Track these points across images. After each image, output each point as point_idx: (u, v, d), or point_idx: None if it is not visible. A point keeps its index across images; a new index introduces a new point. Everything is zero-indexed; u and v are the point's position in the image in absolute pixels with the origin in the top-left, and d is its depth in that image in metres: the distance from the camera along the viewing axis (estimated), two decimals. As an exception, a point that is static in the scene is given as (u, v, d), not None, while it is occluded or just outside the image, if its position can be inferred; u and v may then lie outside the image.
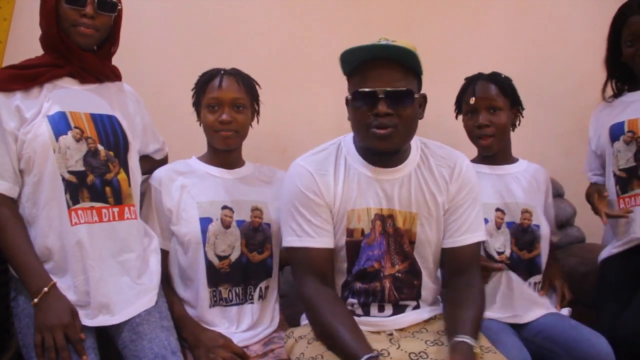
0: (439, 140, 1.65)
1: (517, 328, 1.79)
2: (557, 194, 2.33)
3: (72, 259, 1.48)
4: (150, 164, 1.81)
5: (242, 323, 1.65)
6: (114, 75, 1.68)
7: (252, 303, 1.68)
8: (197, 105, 1.73)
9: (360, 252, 1.52)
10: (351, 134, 1.58)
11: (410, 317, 1.54)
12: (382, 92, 1.42)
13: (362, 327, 1.46)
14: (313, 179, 1.51)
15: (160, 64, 2.25)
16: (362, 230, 1.52)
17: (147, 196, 1.71)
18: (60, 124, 1.50)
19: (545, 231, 1.88)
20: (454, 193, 1.55)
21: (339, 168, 1.53)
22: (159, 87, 2.10)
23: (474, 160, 1.95)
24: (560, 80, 2.58)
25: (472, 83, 1.90)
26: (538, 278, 1.87)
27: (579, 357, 1.62)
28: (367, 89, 1.43)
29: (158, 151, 1.85)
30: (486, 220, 1.82)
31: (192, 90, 1.75)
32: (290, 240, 1.51)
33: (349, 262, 1.53)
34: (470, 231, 1.55)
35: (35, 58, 1.59)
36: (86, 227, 1.49)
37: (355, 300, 1.54)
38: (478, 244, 1.58)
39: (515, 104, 1.91)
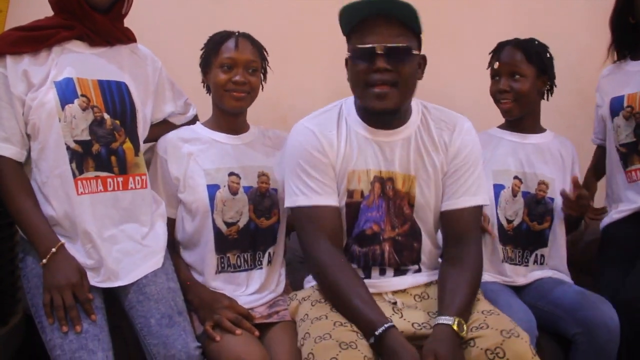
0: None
1: (517, 291, 1.81)
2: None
3: (80, 228, 1.48)
4: (168, 129, 1.75)
5: (249, 287, 1.66)
6: (126, 38, 1.64)
7: (261, 268, 1.69)
8: (205, 65, 1.71)
9: (360, 214, 1.53)
10: (352, 97, 1.58)
11: (410, 279, 1.56)
12: (380, 47, 1.41)
13: None
14: (317, 138, 1.51)
15: (162, 32, 2.22)
16: (362, 192, 1.52)
17: (152, 164, 1.70)
18: (67, 91, 1.48)
19: (559, 205, 1.88)
20: (452, 156, 1.54)
21: (341, 129, 1.54)
22: (161, 54, 2.07)
23: (500, 126, 1.97)
24: (561, 55, 2.57)
25: (500, 48, 1.90)
26: (544, 251, 1.89)
27: (583, 320, 1.64)
28: (365, 45, 1.43)
29: (176, 114, 1.79)
30: (503, 187, 1.86)
31: (202, 49, 1.72)
32: (297, 199, 1.51)
33: (348, 224, 1.53)
34: (469, 194, 1.54)
35: (44, 19, 1.55)
36: (89, 198, 1.49)
37: (355, 265, 1.54)
38: (477, 208, 1.56)
39: (543, 73, 1.89)
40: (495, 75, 1.89)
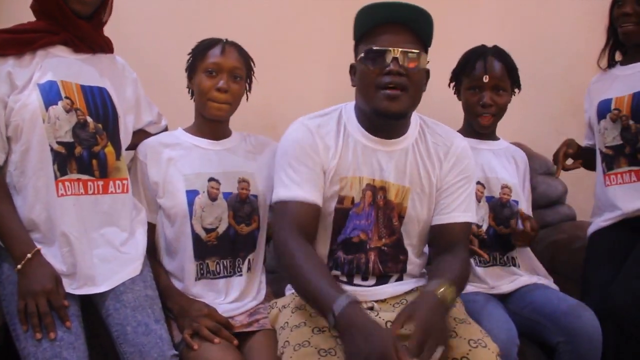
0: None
1: (502, 300, 1.80)
2: (549, 172, 2.33)
3: (58, 230, 1.46)
4: (144, 137, 1.76)
5: (229, 295, 1.65)
6: (107, 47, 1.65)
7: (241, 275, 1.67)
8: (191, 70, 1.71)
9: (348, 221, 1.51)
10: (352, 103, 1.57)
11: (391, 288, 1.54)
12: (397, 50, 1.41)
13: None
14: (312, 137, 1.49)
15: (151, 37, 2.21)
16: (353, 199, 1.50)
17: (133, 169, 1.69)
18: (51, 93, 1.48)
19: (524, 208, 1.88)
20: (446, 172, 1.54)
21: (339, 134, 1.52)
22: (149, 60, 2.07)
23: (459, 132, 1.93)
24: (552, 60, 2.56)
25: (480, 57, 1.87)
26: (514, 253, 1.88)
27: (566, 329, 1.62)
28: (381, 47, 1.42)
29: (152, 124, 1.80)
30: None
31: (189, 54, 1.72)
32: (277, 192, 1.47)
33: (335, 230, 1.51)
34: (460, 210, 1.53)
35: (29, 23, 1.55)
36: (72, 199, 1.48)
37: (339, 272, 1.53)
38: (467, 224, 1.55)
39: (515, 84, 1.90)
40: (476, 87, 1.86)
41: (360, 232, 1.51)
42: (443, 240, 1.54)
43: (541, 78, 2.50)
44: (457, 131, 1.90)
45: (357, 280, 1.54)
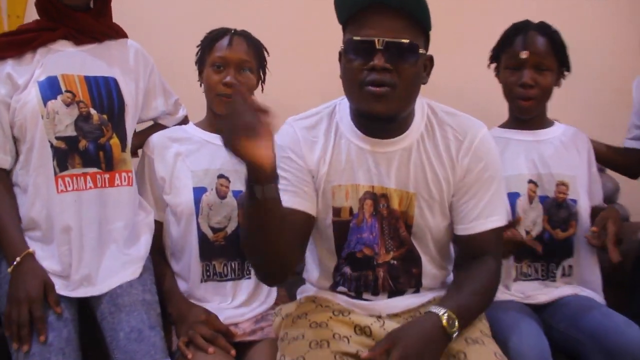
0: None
1: (538, 311, 1.62)
2: (598, 168, 2.12)
3: (57, 228, 1.42)
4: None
5: (236, 299, 1.56)
6: (115, 33, 1.59)
7: (249, 278, 1.58)
8: (200, 63, 1.63)
9: (349, 234, 1.35)
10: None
11: (406, 301, 1.38)
12: (380, 42, 1.19)
13: (352, 309, 1.36)
14: (298, 141, 1.34)
15: (163, 27, 2.12)
16: (350, 209, 1.33)
17: (140, 164, 1.63)
18: (50, 88, 1.44)
19: (584, 207, 1.67)
20: (462, 172, 1.32)
21: (329, 136, 1.34)
22: (161, 51, 2.00)
23: (503, 125, 1.76)
24: (599, 47, 2.33)
25: (520, 32, 1.66)
26: (571, 262, 1.67)
27: (607, 347, 1.43)
28: (362, 38, 1.21)
29: (166, 115, 1.73)
30: (518, 195, 1.65)
31: (197, 47, 1.64)
32: None
33: (337, 243, 1.36)
34: (483, 216, 1.32)
35: (29, 23, 1.55)
36: (74, 195, 1.43)
37: (345, 289, 1.39)
38: (494, 231, 1.33)
39: (563, 64, 1.69)
40: (515, 65, 1.66)
41: (365, 247, 1.35)
42: (468, 251, 1.36)
43: (586, 66, 2.26)
44: (502, 124, 1.75)
45: (366, 295, 1.39)
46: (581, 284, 1.68)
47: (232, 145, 1.07)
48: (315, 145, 1.34)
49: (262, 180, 1.09)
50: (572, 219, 1.66)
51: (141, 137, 1.65)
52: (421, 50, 1.25)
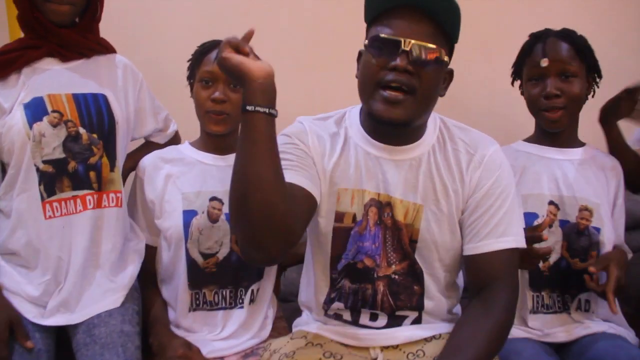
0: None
1: (558, 350, 1.46)
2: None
3: (43, 255, 1.37)
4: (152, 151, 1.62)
5: (226, 329, 1.47)
6: (103, 48, 1.54)
7: (242, 307, 1.48)
8: (191, 78, 1.56)
9: (349, 243, 1.27)
10: (359, 105, 1.32)
11: (407, 332, 1.27)
12: (408, 43, 1.14)
13: (346, 341, 1.26)
14: (305, 134, 1.27)
15: (159, 38, 2.04)
16: (354, 216, 1.26)
17: (132, 187, 1.57)
18: (36, 110, 1.39)
19: (608, 237, 1.52)
20: (473, 186, 1.25)
21: (337, 139, 1.29)
22: (157, 64, 1.93)
23: (528, 139, 1.63)
24: (637, 53, 2.15)
25: (540, 40, 1.55)
26: (589, 296, 1.51)
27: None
28: (389, 36, 1.16)
29: (158, 132, 1.68)
30: (536, 215, 1.51)
31: (188, 61, 1.57)
32: None
33: (334, 254, 1.28)
34: (495, 235, 1.22)
35: (13, 42, 1.50)
36: (62, 221, 1.39)
37: (342, 304, 1.29)
38: (506, 252, 1.22)
39: (592, 71, 1.55)
40: (536, 76, 1.54)
41: (366, 257, 1.27)
42: (478, 275, 1.24)
43: (620, 74, 2.10)
44: (527, 138, 1.63)
45: (364, 320, 1.29)
46: (607, 319, 1.52)
47: (220, 56, 1.05)
48: (323, 141, 1.28)
49: (252, 98, 1.04)
50: (593, 249, 1.51)
51: (134, 158, 1.59)
52: (445, 58, 1.19)
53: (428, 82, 1.17)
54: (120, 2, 1.89)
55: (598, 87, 1.59)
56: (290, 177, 1.16)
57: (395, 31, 1.16)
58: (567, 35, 1.54)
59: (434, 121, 1.30)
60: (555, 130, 1.56)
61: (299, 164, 1.21)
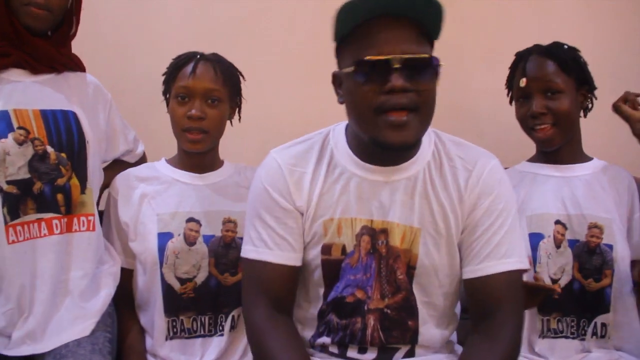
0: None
1: None
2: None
3: (6, 283, 1.29)
4: (124, 169, 1.56)
5: (205, 358, 1.38)
6: (75, 65, 1.46)
7: (222, 335, 1.40)
8: (166, 93, 1.48)
9: (340, 276, 1.18)
10: (344, 123, 1.24)
11: None
12: (398, 60, 1.04)
13: None
14: (282, 176, 1.19)
15: (135, 49, 1.93)
16: (344, 247, 1.17)
17: (106, 206, 1.49)
18: (1, 125, 1.30)
19: (621, 254, 1.42)
20: (471, 205, 1.16)
21: (321, 164, 1.20)
22: (133, 77, 1.85)
23: (532, 159, 1.56)
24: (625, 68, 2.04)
25: (522, 59, 1.50)
26: (606, 318, 1.41)
27: None
28: (376, 58, 1.05)
29: (128, 153, 1.61)
30: (542, 236, 1.42)
31: (163, 75, 1.49)
32: (246, 249, 1.20)
33: (326, 286, 1.20)
34: (496, 256, 1.13)
35: None
36: (27, 245, 1.29)
37: (329, 339, 1.21)
38: (509, 274, 1.14)
39: (583, 83, 1.48)
40: (521, 96, 1.49)
41: (357, 290, 1.18)
42: (479, 300, 1.16)
43: (632, 84, 2.00)
44: (530, 158, 1.56)
45: (351, 353, 1.20)
46: (620, 347, 1.42)
47: None
48: (304, 178, 1.19)
49: None
50: (607, 268, 1.41)
51: (108, 176, 1.51)
52: (437, 67, 1.10)
53: (428, 94, 1.09)
54: (113, 18, 1.83)
55: (595, 98, 1.52)
56: (278, 257, 1.17)
57: (379, 49, 1.05)
58: (550, 51, 1.47)
59: (428, 135, 1.20)
60: (549, 149, 1.49)
61: (287, 234, 1.17)
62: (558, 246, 1.42)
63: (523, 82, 1.45)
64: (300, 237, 1.19)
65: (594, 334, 1.41)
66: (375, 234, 1.16)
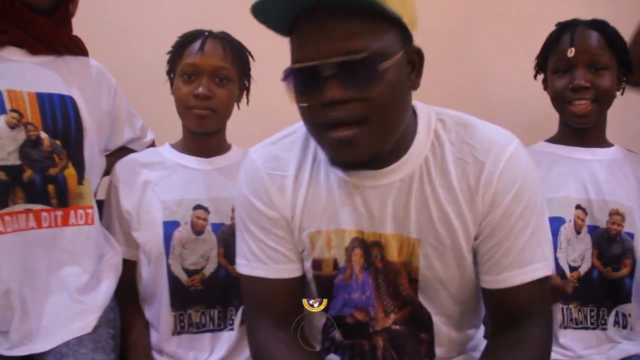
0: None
1: None
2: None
3: None
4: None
5: (214, 354, 1.31)
6: (77, 48, 1.37)
7: (232, 329, 1.32)
8: (171, 72, 1.39)
9: (335, 293, 1.05)
10: None
11: None
12: (328, 66, 0.85)
13: None
14: (263, 183, 1.04)
15: (140, 30, 1.84)
16: (335, 262, 1.03)
17: (107, 194, 1.40)
18: None
19: None
20: (485, 207, 0.96)
21: (304, 165, 1.04)
22: (140, 61, 1.75)
23: (551, 139, 1.48)
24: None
25: (568, 29, 1.40)
26: (627, 308, 1.34)
27: None
28: (300, 65, 0.88)
29: (134, 141, 1.51)
30: (563, 220, 1.35)
31: (168, 53, 1.40)
32: (239, 264, 1.08)
33: (324, 299, 1.08)
34: (518, 265, 0.96)
35: None
36: (15, 237, 1.20)
37: (338, 358, 1.09)
38: (535, 283, 0.96)
39: (623, 65, 1.40)
40: (561, 67, 1.39)
41: (356, 311, 1.04)
42: (500, 311, 1.00)
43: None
44: (550, 138, 1.46)
45: None
46: None
47: None
48: (285, 182, 1.03)
49: None
50: (627, 257, 1.35)
51: (108, 162, 1.42)
52: (392, 56, 0.88)
53: (380, 99, 0.87)
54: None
55: (628, 84, 1.44)
56: (273, 271, 1.03)
57: (307, 52, 0.87)
58: (598, 24, 1.38)
59: (427, 121, 1.00)
60: (583, 125, 1.40)
61: (277, 244, 1.04)
62: (578, 232, 1.35)
63: (572, 51, 1.35)
64: (294, 245, 1.05)
65: (616, 323, 1.35)
66: (367, 247, 1.01)
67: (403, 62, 0.92)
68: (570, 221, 1.36)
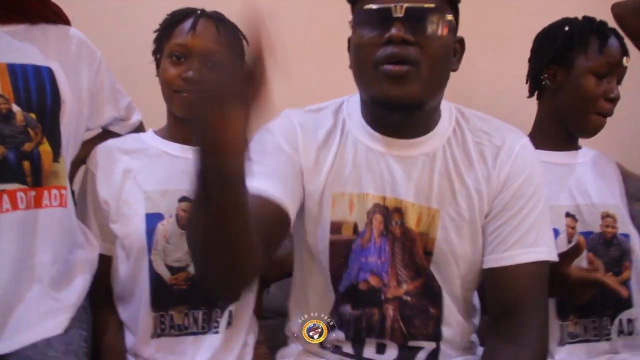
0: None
1: None
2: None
3: None
4: None
5: (197, 359, 1.21)
6: (54, 15, 1.26)
7: (217, 332, 1.23)
8: (157, 53, 1.29)
9: (351, 259, 1.06)
10: (358, 94, 1.11)
11: None
12: (398, 8, 0.95)
13: None
14: (294, 133, 1.07)
15: (131, 8, 1.75)
16: (355, 226, 1.06)
17: (82, 183, 1.29)
18: None
19: (638, 243, 1.34)
20: (500, 184, 1.05)
21: (334, 133, 1.09)
22: (126, 40, 1.65)
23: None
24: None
25: (599, 32, 1.33)
26: (631, 313, 1.31)
27: None
28: (375, 6, 0.97)
29: (117, 121, 1.40)
30: (557, 232, 1.30)
31: (155, 31, 1.30)
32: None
33: (334, 274, 1.07)
34: (523, 245, 1.02)
35: None
36: None
37: (342, 334, 1.07)
38: (536, 266, 1.03)
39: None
40: (605, 72, 1.32)
41: (371, 276, 1.06)
42: (501, 293, 1.04)
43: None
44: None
45: (369, 353, 1.07)
46: None
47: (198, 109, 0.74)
48: (315, 140, 1.07)
49: (223, 176, 0.76)
50: (625, 259, 1.32)
51: (87, 148, 1.31)
52: (449, 17, 1.00)
53: (433, 50, 0.98)
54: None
55: None
56: (264, 184, 0.96)
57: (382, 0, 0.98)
58: (618, 34, 1.35)
59: (448, 109, 1.11)
60: (589, 136, 1.37)
61: (280, 168, 1.02)
62: (570, 240, 1.30)
63: (626, 60, 1.31)
64: (298, 188, 1.04)
65: (621, 331, 1.31)
66: (388, 213, 1.05)
67: (455, 39, 1.05)
68: (563, 231, 1.31)
